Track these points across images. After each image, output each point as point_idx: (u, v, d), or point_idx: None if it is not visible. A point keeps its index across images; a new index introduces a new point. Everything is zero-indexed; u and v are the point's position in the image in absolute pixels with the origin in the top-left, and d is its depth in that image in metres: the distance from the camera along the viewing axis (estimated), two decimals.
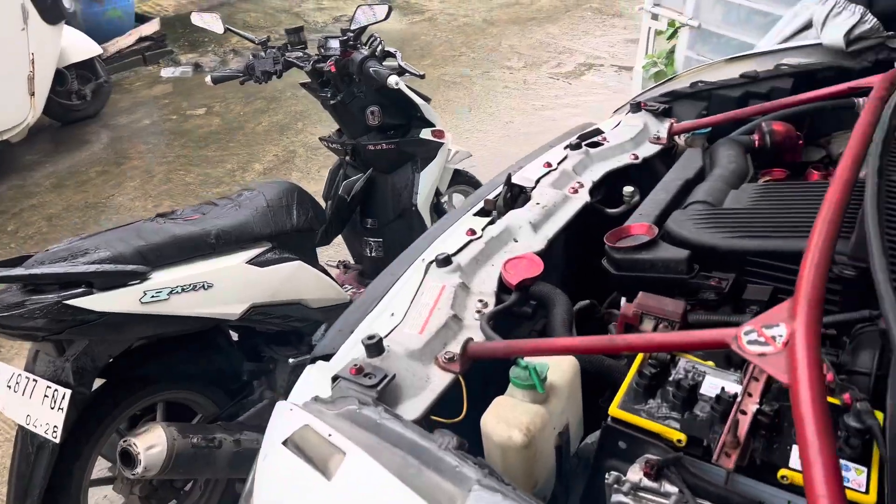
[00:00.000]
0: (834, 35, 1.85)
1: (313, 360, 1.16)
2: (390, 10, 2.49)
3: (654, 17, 3.05)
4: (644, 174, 1.77)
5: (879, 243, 0.90)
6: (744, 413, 0.91)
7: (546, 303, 1.34)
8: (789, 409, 0.93)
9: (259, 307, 2.19)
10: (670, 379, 0.97)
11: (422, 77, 2.47)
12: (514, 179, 1.57)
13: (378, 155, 2.75)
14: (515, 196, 1.56)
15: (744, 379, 0.97)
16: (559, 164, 1.67)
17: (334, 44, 2.62)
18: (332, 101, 2.63)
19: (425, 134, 2.82)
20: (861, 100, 1.75)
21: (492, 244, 1.39)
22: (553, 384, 1.07)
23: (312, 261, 2.50)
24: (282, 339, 2.42)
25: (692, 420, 0.93)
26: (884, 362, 1.04)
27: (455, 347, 1.13)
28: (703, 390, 0.97)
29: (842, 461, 0.87)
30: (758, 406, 0.92)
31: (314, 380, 1.10)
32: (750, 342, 0.83)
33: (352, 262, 3.16)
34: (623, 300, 1.26)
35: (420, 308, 1.20)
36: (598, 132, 1.83)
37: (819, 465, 0.67)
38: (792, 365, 0.77)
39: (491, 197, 1.56)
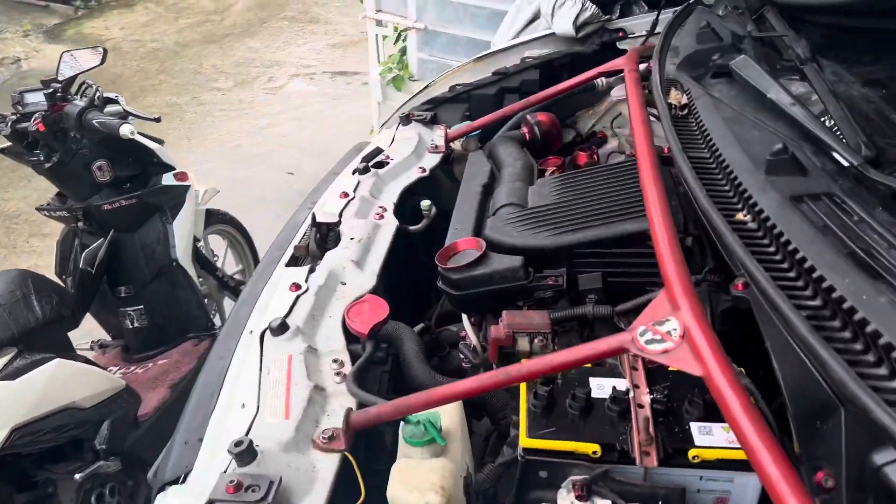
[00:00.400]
0: (564, 24, 2.00)
1: (162, 488, 0.97)
2: (105, 53, 2.18)
3: (379, 23, 3.09)
4: (429, 184, 1.78)
5: (710, 205, 0.97)
6: (641, 406, 0.94)
7: (393, 341, 1.28)
8: (676, 390, 0.99)
9: (22, 428, 1.82)
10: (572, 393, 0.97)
11: (157, 121, 2.21)
12: (319, 218, 1.47)
13: (117, 214, 2.42)
14: (325, 235, 1.46)
15: (625, 372, 1.01)
16: (355, 191, 1.60)
17: (35, 98, 2.23)
18: (47, 165, 2.25)
19: (168, 180, 2.55)
20: (600, 80, 1.93)
21: (322, 294, 1.28)
22: (448, 430, 1.01)
23: (69, 353, 2.15)
24: (57, 454, 2.04)
25: (598, 428, 0.94)
26: (716, 315, 1.13)
27: (329, 423, 1.02)
28: (594, 395, 0.98)
29: (713, 424, 0.94)
30: (651, 396, 0.95)
31: None
32: (648, 342, 0.85)
33: (109, 339, 2.78)
34: (485, 325, 1.22)
35: (273, 389, 1.06)
36: (380, 151, 1.78)
37: (755, 437, 0.71)
38: (698, 355, 0.80)
39: (299, 242, 1.44)
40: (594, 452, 0.91)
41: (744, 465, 0.88)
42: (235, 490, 0.87)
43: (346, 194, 1.59)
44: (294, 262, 1.41)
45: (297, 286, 1.29)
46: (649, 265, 1.24)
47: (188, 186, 2.61)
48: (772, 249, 0.88)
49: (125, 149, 2.35)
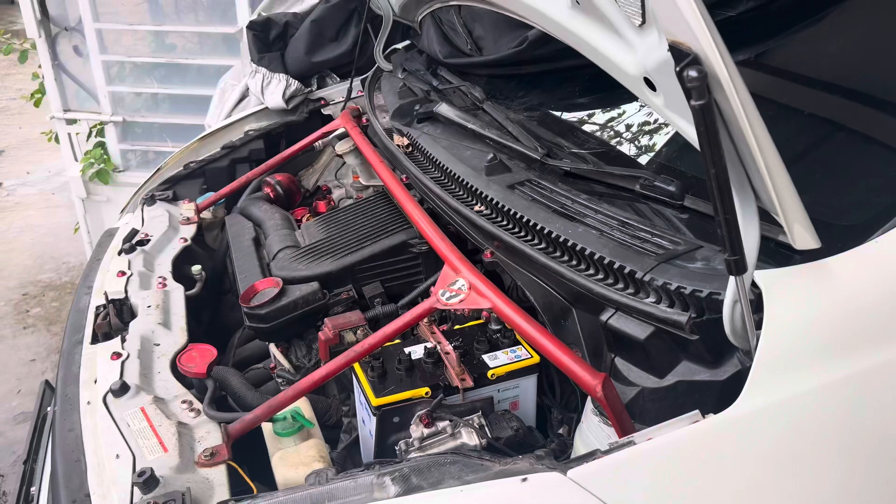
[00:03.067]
0: (274, 99, 2.31)
1: None
2: None
3: (71, 122, 3.04)
4: (191, 252, 1.93)
5: (458, 203, 1.37)
6: (447, 353, 1.28)
7: (220, 382, 1.44)
8: (465, 339, 1.34)
9: None
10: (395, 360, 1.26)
11: None
12: (111, 296, 1.55)
13: None
14: (120, 310, 1.54)
15: (429, 337, 1.34)
16: (130, 268, 1.69)
17: None
18: None
19: None
20: (318, 142, 2.27)
21: (143, 357, 1.39)
22: (308, 417, 1.23)
23: None
24: None
25: (423, 377, 1.25)
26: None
27: (203, 445, 1.17)
28: (413, 357, 1.29)
29: (496, 352, 1.31)
30: (452, 344, 1.29)
31: None
32: (448, 298, 1.19)
33: None
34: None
35: (140, 435, 1.17)
36: (136, 231, 1.88)
37: (537, 332, 1.09)
38: (483, 296, 1.17)
39: (97, 322, 1.51)
40: (427, 393, 1.22)
41: (522, 373, 1.27)
42: None
43: (122, 272, 1.68)
44: (97, 339, 1.48)
45: (117, 354, 1.38)
46: (414, 266, 1.62)
47: None
48: (504, 222, 1.29)
49: None
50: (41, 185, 6.17)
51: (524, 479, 0.83)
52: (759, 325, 0.87)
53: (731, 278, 0.85)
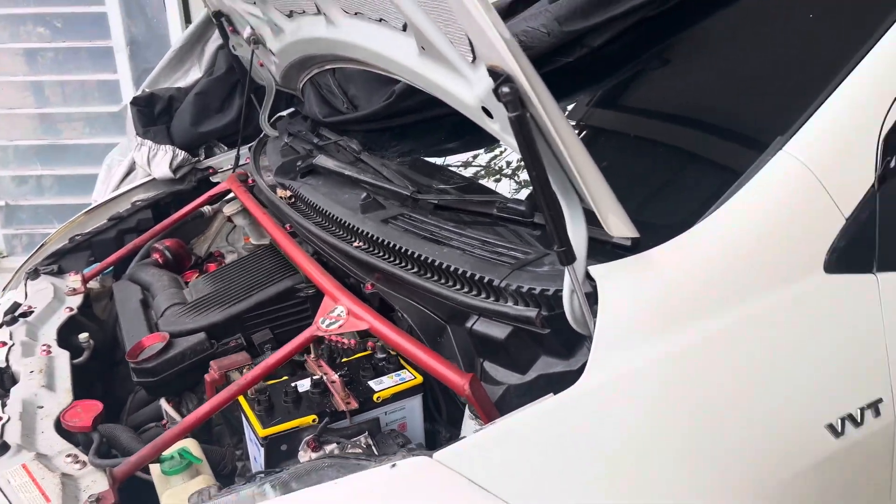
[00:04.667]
0: (161, 170, 2.35)
1: None
2: None
3: None
4: (77, 323, 1.91)
5: (338, 241, 1.45)
6: (333, 382, 1.33)
7: (108, 439, 1.43)
8: (351, 369, 1.40)
9: None
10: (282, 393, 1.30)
11: None
12: (2, 360, 1.53)
13: None
14: (2, 378, 1.52)
15: (315, 370, 1.39)
16: (11, 338, 1.67)
17: None
18: None
19: None
20: (207, 208, 2.31)
21: (26, 419, 1.37)
22: (196, 455, 1.25)
23: None
24: None
25: (310, 406, 1.29)
26: None
27: (92, 488, 1.16)
28: (300, 389, 1.33)
29: (382, 377, 1.37)
30: (338, 374, 1.34)
31: None
32: (328, 325, 1.26)
33: None
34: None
35: (22, 490, 1.16)
36: (18, 304, 1.86)
37: (412, 346, 1.17)
38: (361, 319, 1.24)
39: None
40: (314, 420, 1.26)
41: (407, 394, 1.34)
42: None
43: (3, 343, 1.65)
44: None
45: None
46: (302, 311, 1.67)
47: None
48: (381, 253, 1.38)
49: None
50: None
51: (393, 466, 0.90)
52: (595, 312, 0.99)
53: (566, 270, 0.97)
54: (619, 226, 0.97)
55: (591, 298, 1.01)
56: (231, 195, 2.24)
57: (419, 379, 1.35)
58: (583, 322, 1.00)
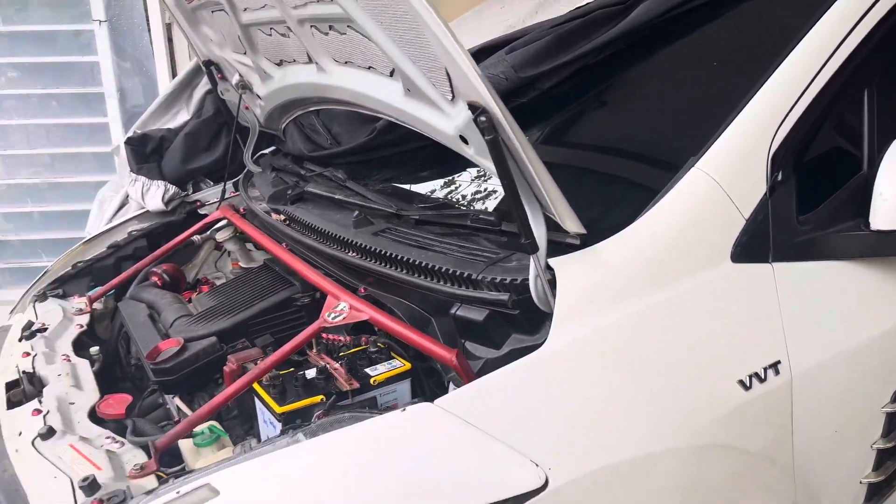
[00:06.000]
0: (155, 203, 2.57)
1: None
2: None
3: None
4: (86, 339, 2.10)
5: (336, 251, 1.70)
6: (336, 369, 1.56)
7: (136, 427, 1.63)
8: (350, 359, 1.63)
9: None
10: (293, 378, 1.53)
11: None
12: (23, 368, 1.71)
13: None
14: (31, 380, 1.70)
15: (318, 361, 1.62)
16: (33, 349, 1.85)
17: None
18: None
19: None
20: (197, 237, 2.53)
21: (62, 411, 1.56)
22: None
23: None
24: None
25: (316, 389, 1.52)
26: None
27: (133, 461, 1.36)
28: (308, 377, 1.56)
29: (377, 364, 1.61)
30: (337, 361, 1.58)
31: None
32: (334, 318, 1.50)
33: None
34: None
35: (73, 463, 1.35)
36: (32, 323, 2.04)
37: (411, 334, 1.42)
38: (361, 312, 1.49)
39: (11, 392, 1.65)
40: (322, 400, 1.49)
41: (398, 378, 1.58)
42: (100, 503, 1.19)
43: (27, 353, 1.83)
44: (12, 404, 1.62)
45: (38, 411, 1.55)
46: (299, 318, 1.91)
47: None
48: (373, 260, 1.64)
49: None
50: None
51: (403, 410, 1.14)
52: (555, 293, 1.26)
53: (531, 258, 1.24)
54: (571, 223, 1.25)
55: (551, 283, 1.28)
56: (221, 223, 2.48)
57: (408, 366, 1.59)
58: (545, 300, 1.27)
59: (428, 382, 1.65)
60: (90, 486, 1.22)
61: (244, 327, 1.84)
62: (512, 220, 1.54)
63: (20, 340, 1.92)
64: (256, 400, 1.54)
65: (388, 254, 1.58)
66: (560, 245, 1.37)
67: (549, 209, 1.25)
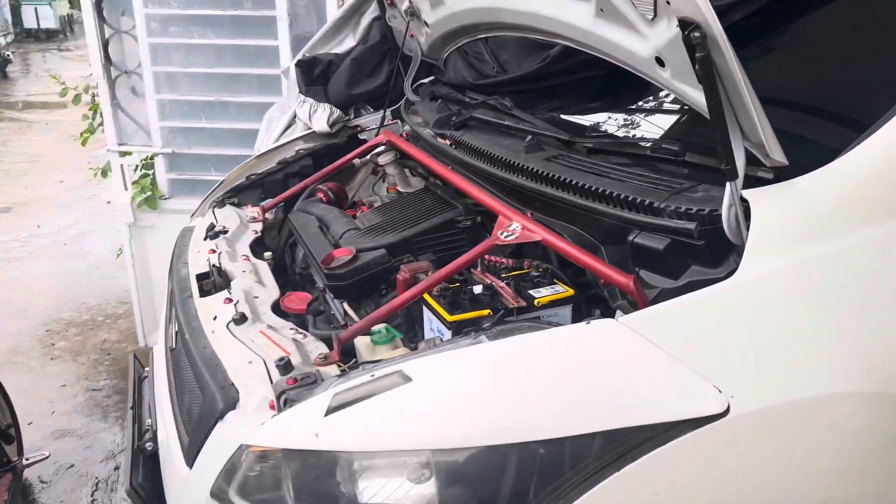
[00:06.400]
0: (321, 124, 2.69)
1: (221, 416, 1.32)
2: None
3: (123, 154, 3.40)
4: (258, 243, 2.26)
5: (507, 174, 1.72)
6: (502, 286, 1.60)
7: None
8: (514, 279, 1.66)
9: None
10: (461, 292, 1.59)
11: None
12: (214, 263, 1.87)
13: None
14: (220, 273, 1.86)
15: (482, 279, 1.66)
16: (218, 248, 2.02)
17: None
18: None
19: None
20: (357, 160, 2.63)
21: (250, 302, 1.70)
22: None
23: None
24: None
25: (482, 303, 1.57)
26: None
27: (316, 351, 1.47)
28: (475, 292, 1.61)
29: (541, 287, 1.63)
30: (504, 278, 1.62)
31: (241, 423, 1.28)
32: (506, 236, 1.54)
33: None
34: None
35: (265, 347, 1.47)
36: (214, 225, 2.21)
37: (586, 258, 1.43)
38: (533, 232, 1.51)
39: (203, 283, 1.82)
40: (489, 314, 1.54)
41: (561, 302, 1.59)
42: (294, 382, 1.30)
43: (213, 250, 2.00)
44: (204, 293, 1.78)
45: (229, 299, 1.69)
46: (459, 240, 1.96)
47: None
48: (548, 185, 1.65)
49: None
50: (52, 237, 6.47)
51: (588, 322, 1.16)
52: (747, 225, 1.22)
53: (728, 186, 1.21)
54: (777, 153, 1.20)
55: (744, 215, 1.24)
56: (381, 148, 2.56)
57: (571, 291, 1.61)
58: (737, 232, 1.24)
59: (589, 310, 1.66)
60: (285, 366, 1.33)
61: (409, 243, 1.91)
62: (696, 151, 1.52)
63: (205, 239, 2.09)
64: (425, 309, 1.61)
65: (562, 179, 1.58)
66: (750, 179, 1.32)
67: (754, 136, 1.20)
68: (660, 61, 1.33)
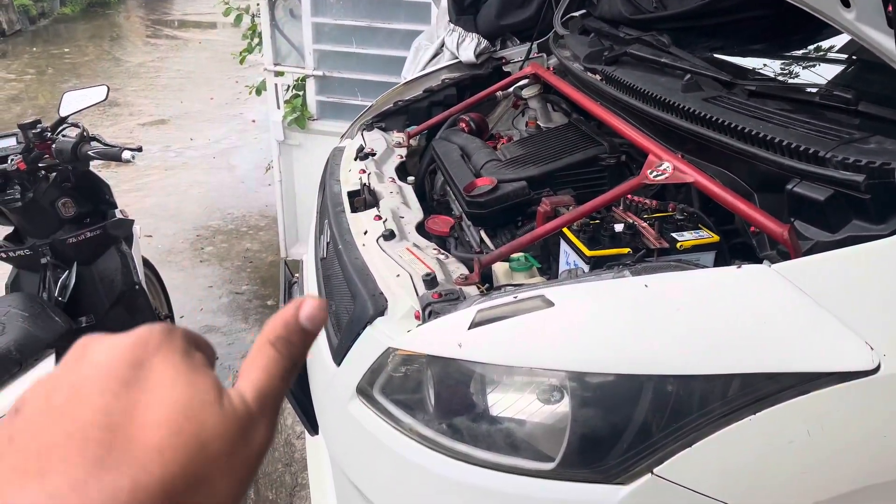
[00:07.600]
0: (467, 54, 2.71)
1: (371, 321, 1.43)
2: (108, 90, 2.46)
3: (277, 74, 3.59)
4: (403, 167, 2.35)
5: (663, 113, 1.70)
6: (644, 226, 1.60)
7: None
8: (655, 220, 1.66)
9: None
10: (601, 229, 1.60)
11: (139, 150, 2.51)
12: (365, 181, 1.98)
13: (81, 247, 2.63)
14: (371, 192, 1.97)
15: (623, 218, 1.67)
16: (367, 169, 2.12)
17: (4, 143, 2.43)
18: (20, 203, 2.42)
19: (118, 214, 2.80)
20: (499, 93, 2.65)
21: (397, 221, 1.79)
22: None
23: None
24: None
25: (622, 242, 1.58)
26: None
27: (457, 272, 1.54)
28: (616, 229, 1.62)
29: (683, 231, 1.62)
30: (647, 219, 1.62)
31: (389, 327, 1.38)
32: (656, 176, 1.53)
33: None
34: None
35: (411, 264, 1.56)
36: (363, 147, 2.32)
37: (739, 203, 1.40)
38: (685, 173, 1.49)
39: (354, 200, 1.93)
40: (628, 252, 1.55)
41: (705, 248, 1.58)
42: (439, 296, 1.38)
43: (363, 170, 2.11)
44: (355, 209, 1.90)
45: (378, 217, 1.79)
46: (601, 178, 1.96)
47: (133, 221, 2.88)
48: (705, 126, 1.61)
49: (85, 187, 2.60)
50: (203, 150, 6.96)
51: (739, 266, 1.16)
52: None
53: None
54: None
55: None
56: (524, 81, 2.55)
57: (716, 238, 1.58)
58: None
59: (732, 258, 1.63)
60: (431, 281, 1.42)
61: (550, 177, 1.93)
62: (870, 100, 1.43)
63: (355, 160, 2.21)
64: (563, 242, 1.64)
65: (721, 121, 1.54)
66: None
67: None
68: (845, 1, 1.26)
